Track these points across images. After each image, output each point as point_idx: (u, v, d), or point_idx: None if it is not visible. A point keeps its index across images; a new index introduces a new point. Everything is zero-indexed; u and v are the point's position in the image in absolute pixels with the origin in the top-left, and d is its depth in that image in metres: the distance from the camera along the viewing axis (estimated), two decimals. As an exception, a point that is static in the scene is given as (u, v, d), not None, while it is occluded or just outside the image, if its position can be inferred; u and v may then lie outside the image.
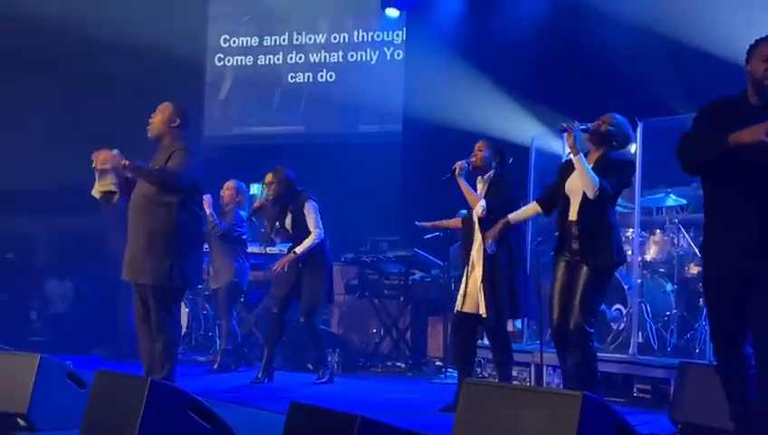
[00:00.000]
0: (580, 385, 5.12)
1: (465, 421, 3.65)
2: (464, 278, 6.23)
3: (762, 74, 4.11)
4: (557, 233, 5.57)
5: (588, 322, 5.27)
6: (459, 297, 6.25)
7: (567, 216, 5.43)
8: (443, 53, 10.70)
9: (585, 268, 5.30)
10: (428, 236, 8.68)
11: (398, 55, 11.87)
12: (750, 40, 4.25)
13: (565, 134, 5.47)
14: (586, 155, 5.40)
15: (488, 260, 6.07)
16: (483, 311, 6.08)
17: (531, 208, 6.00)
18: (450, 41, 10.74)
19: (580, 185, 5.33)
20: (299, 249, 7.50)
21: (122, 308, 9.32)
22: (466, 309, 6.16)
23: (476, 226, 6.19)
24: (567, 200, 5.44)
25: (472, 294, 6.13)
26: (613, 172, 5.36)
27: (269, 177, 7.72)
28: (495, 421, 3.53)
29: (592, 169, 5.31)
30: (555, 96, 9.10)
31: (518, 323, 7.55)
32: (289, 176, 7.70)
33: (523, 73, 9.77)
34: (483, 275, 6.08)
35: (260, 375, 7.51)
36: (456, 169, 6.17)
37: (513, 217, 5.94)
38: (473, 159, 6.23)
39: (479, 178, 6.31)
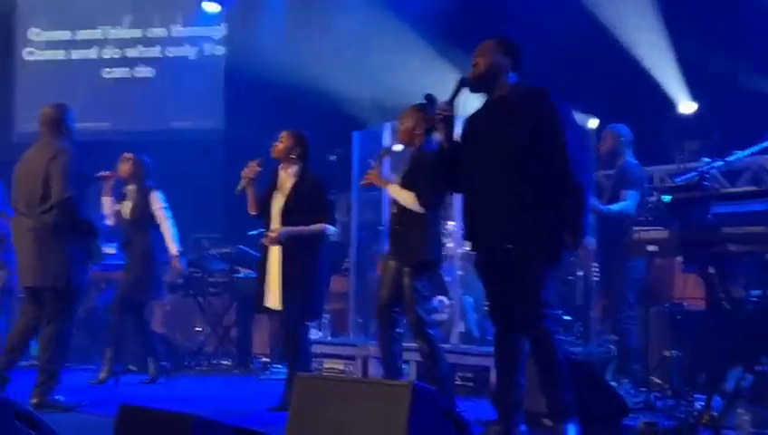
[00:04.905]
0: (438, 371, 5.48)
1: (299, 416, 3.68)
2: (266, 270, 6.05)
3: None
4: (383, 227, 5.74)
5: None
6: (266, 293, 6.03)
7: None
8: (265, 47, 10.70)
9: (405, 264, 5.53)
10: (253, 232, 8.64)
11: (219, 51, 11.77)
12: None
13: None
14: None
15: (284, 255, 5.95)
16: (278, 305, 5.96)
17: None
18: (272, 35, 10.74)
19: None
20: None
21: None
22: (270, 305, 6.03)
23: (276, 219, 6.03)
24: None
25: (272, 288, 6.00)
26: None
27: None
28: (328, 414, 3.57)
29: None
30: (379, 89, 9.28)
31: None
32: (141, 159, 7.62)
33: (348, 67, 9.90)
34: (280, 271, 5.95)
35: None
36: (245, 178, 6.02)
37: None
38: (273, 151, 6.09)
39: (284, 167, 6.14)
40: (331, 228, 6.01)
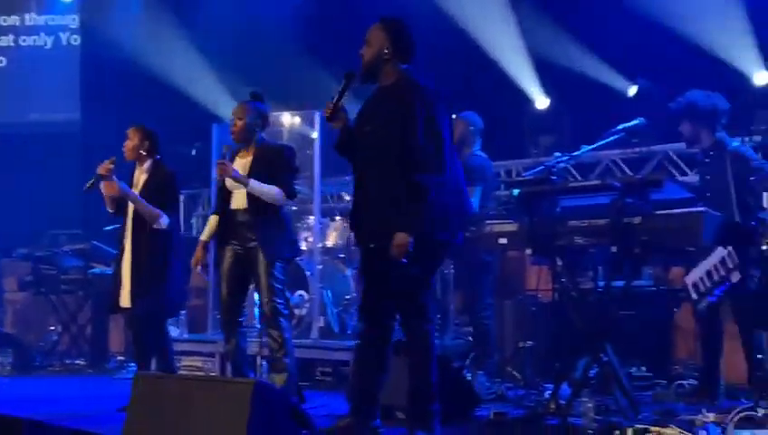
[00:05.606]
0: (286, 364, 5.34)
1: (138, 415, 3.58)
2: (121, 269, 5.86)
3: None
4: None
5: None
6: (123, 292, 5.83)
7: (230, 204, 5.51)
8: (121, 37, 10.46)
9: (261, 256, 5.39)
10: (109, 227, 8.40)
11: (75, 41, 11.42)
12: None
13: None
14: None
15: (134, 254, 5.80)
16: (127, 302, 5.77)
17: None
18: (128, 26, 10.52)
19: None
20: None
21: None
22: (123, 305, 5.83)
23: (130, 216, 5.89)
24: (229, 192, 5.52)
25: (126, 288, 5.82)
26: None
27: None
28: (168, 413, 3.48)
29: None
30: (238, 81, 9.19)
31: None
32: None
33: (206, 59, 9.77)
34: (131, 265, 5.79)
35: None
36: (100, 173, 5.77)
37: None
38: (125, 154, 5.94)
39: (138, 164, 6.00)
40: (165, 219, 5.81)
